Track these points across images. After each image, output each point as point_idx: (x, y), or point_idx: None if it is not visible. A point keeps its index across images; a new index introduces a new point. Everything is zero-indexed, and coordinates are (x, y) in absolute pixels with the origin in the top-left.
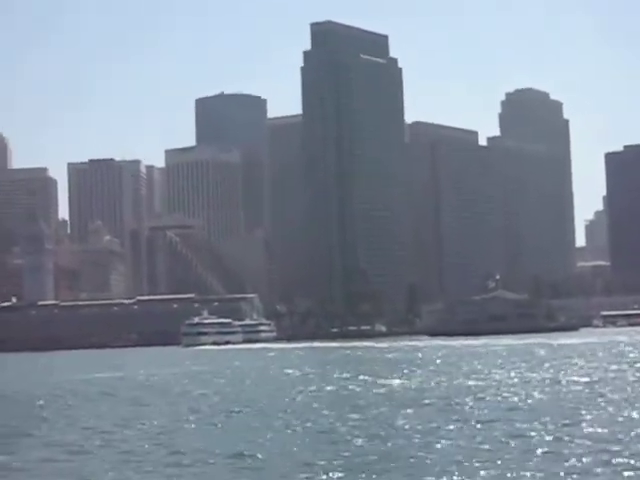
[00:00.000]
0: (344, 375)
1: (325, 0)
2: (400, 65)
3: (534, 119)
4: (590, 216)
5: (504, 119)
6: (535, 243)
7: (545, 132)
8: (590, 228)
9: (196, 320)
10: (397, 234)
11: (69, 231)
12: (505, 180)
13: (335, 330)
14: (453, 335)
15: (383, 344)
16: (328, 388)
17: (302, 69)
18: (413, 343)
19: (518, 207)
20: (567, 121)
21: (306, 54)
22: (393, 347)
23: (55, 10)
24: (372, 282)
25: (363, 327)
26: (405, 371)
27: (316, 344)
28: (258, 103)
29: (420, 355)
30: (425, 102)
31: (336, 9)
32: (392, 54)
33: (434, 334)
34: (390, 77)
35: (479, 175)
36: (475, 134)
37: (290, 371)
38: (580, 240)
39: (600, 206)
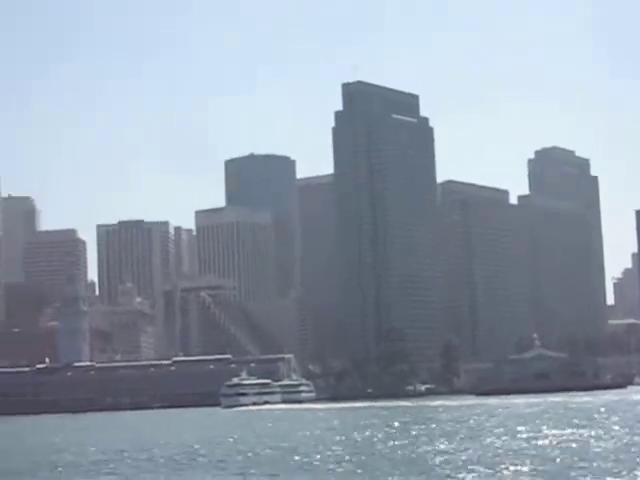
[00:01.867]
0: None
1: (355, 60)
2: (431, 124)
3: (562, 177)
4: (619, 274)
5: (533, 178)
6: (566, 302)
7: (573, 190)
8: (619, 286)
9: (235, 381)
10: (430, 293)
11: (97, 292)
12: (535, 239)
13: (371, 390)
14: (500, 394)
15: (452, 402)
16: None
17: (333, 129)
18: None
19: (548, 266)
20: (595, 178)
21: (337, 114)
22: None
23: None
24: (406, 342)
25: (407, 387)
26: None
27: (366, 404)
28: (287, 164)
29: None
30: (456, 161)
31: (366, 70)
32: (423, 113)
33: (480, 393)
34: (421, 136)
35: (510, 234)
36: (506, 193)
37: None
38: (609, 298)
39: (629, 263)
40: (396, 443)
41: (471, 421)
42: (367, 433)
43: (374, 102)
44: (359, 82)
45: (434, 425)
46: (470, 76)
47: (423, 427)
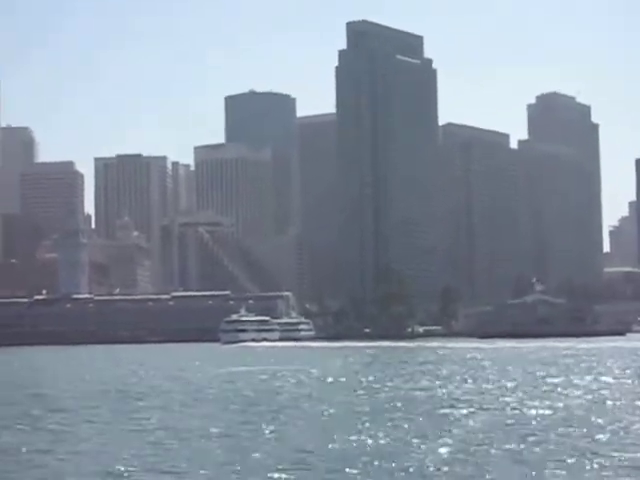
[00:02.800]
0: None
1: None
2: (434, 66)
3: (562, 123)
4: (615, 222)
5: (533, 122)
6: (563, 247)
7: (574, 136)
8: (616, 233)
9: (234, 317)
10: (429, 235)
11: (93, 226)
12: (534, 183)
13: (368, 330)
14: (501, 337)
15: (455, 344)
16: None
17: (337, 68)
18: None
19: (546, 211)
20: (596, 126)
21: (341, 53)
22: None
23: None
24: (404, 283)
25: (406, 329)
26: None
27: (372, 344)
28: (287, 102)
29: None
30: (457, 103)
31: (371, 8)
32: (427, 55)
33: (481, 336)
34: (425, 78)
35: (510, 178)
36: (506, 137)
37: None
38: (605, 245)
39: (625, 212)
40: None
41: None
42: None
43: (379, 42)
44: (364, 21)
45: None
46: (475, 20)
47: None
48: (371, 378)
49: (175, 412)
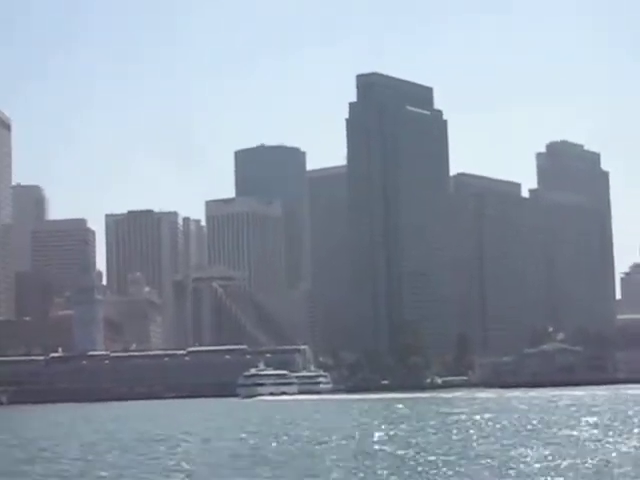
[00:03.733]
0: None
1: (370, 52)
2: (445, 117)
3: (572, 171)
4: (626, 268)
5: (543, 171)
6: (575, 295)
7: (584, 184)
8: (626, 280)
9: (253, 372)
10: (442, 286)
11: (105, 282)
12: (546, 232)
13: (386, 382)
14: (521, 387)
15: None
16: None
17: (347, 120)
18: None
19: (558, 259)
20: (606, 173)
21: (352, 105)
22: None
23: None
24: (419, 334)
25: (424, 379)
26: None
27: (390, 395)
28: (297, 155)
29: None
30: (468, 153)
31: (380, 60)
32: (437, 106)
33: (502, 386)
34: (435, 129)
35: (521, 227)
36: (518, 186)
37: None
38: (617, 292)
39: (637, 258)
40: None
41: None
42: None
43: (389, 94)
44: (374, 73)
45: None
46: (483, 71)
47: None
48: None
49: None
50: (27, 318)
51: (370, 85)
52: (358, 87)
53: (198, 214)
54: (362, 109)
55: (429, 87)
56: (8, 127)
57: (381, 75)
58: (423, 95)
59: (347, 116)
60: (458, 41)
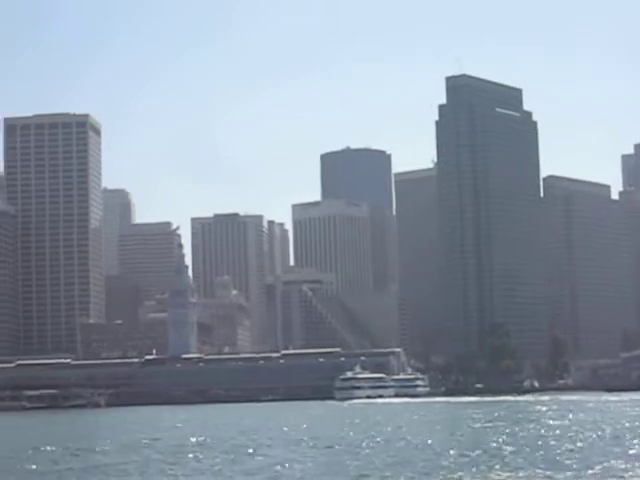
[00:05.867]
0: None
1: (458, 52)
2: (535, 118)
3: None
4: None
5: (629, 173)
6: None
7: None
8: None
9: (350, 375)
10: (532, 289)
11: None
12: (636, 234)
13: (480, 386)
14: (629, 390)
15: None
16: None
17: (437, 123)
18: None
19: None
20: None
21: (441, 107)
22: None
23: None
24: (511, 337)
25: (518, 383)
26: None
27: (502, 398)
28: (383, 158)
29: None
30: (557, 155)
31: (468, 62)
32: (526, 107)
33: (610, 390)
34: (525, 130)
35: (612, 229)
36: (607, 188)
37: None
38: None
39: None
40: None
41: None
42: None
43: (478, 95)
44: (463, 75)
45: None
46: (571, 70)
47: None
48: None
49: None
50: (118, 321)
51: (459, 87)
52: (447, 89)
53: (283, 218)
54: (452, 111)
55: (518, 88)
56: (98, 132)
57: (470, 77)
58: (512, 96)
59: (437, 118)
60: (545, 41)
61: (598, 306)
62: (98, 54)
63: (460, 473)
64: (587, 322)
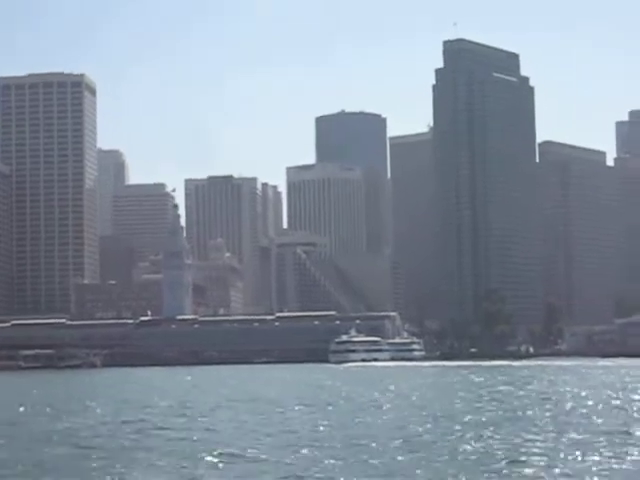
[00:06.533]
0: None
1: (455, 18)
2: (532, 84)
3: None
4: None
5: (622, 139)
6: None
7: None
8: None
9: (345, 338)
10: (527, 254)
11: None
12: (632, 202)
13: (474, 350)
14: (624, 356)
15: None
16: None
17: (434, 87)
18: None
19: None
20: None
21: (438, 72)
22: None
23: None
24: (506, 302)
25: (510, 347)
26: None
27: (492, 363)
28: (378, 121)
29: None
30: (553, 121)
31: (466, 26)
32: (523, 73)
33: (605, 355)
34: (522, 96)
35: (607, 196)
36: (603, 154)
37: None
38: None
39: None
40: None
41: None
42: None
43: (476, 60)
44: (460, 39)
45: None
46: (569, 35)
47: None
48: None
49: None
50: (112, 282)
51: (457, 51)
52: (445, 53)
53: (277, 180)
54: (449, 75)
55: (516, 53)
56: (93, 92)
57: (467, 41)
58: (509, 61)
59: (433, 82)
60: (543, 6)
61: (592, 272)
62: (96, 18)
63: None
64: (581, 288)
